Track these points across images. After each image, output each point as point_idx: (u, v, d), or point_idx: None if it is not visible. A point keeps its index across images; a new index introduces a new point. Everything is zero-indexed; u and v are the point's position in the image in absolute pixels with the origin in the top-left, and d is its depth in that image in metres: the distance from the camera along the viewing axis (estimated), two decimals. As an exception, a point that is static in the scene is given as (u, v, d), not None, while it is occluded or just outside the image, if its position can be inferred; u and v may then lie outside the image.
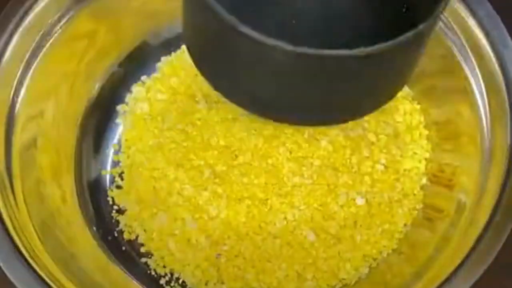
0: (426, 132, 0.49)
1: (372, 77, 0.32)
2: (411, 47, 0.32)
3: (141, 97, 0.51)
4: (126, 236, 0.48)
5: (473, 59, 0.43)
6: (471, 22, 0.42)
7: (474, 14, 0.42)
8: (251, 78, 0.32)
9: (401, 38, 0.29)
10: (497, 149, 0.41)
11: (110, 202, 0.49)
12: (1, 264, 0.37)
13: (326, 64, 0.29)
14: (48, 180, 0.45)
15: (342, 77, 0.31)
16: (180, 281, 0.47)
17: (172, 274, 0.47)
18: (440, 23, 0.43)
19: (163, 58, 0.52)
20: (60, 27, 0.45)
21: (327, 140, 0.48)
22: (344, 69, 0.30)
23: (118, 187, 0.50)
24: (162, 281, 0.47)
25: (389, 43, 0.28)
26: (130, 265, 0.47)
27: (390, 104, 0.49)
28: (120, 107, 0.51)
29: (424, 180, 0.49)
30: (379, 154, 0.48)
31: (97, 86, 0.50)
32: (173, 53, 0.52)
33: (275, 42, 0.28)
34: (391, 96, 0.35)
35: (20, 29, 0.43)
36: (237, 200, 0.47)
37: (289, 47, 0.28)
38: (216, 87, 0.35)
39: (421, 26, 0.29)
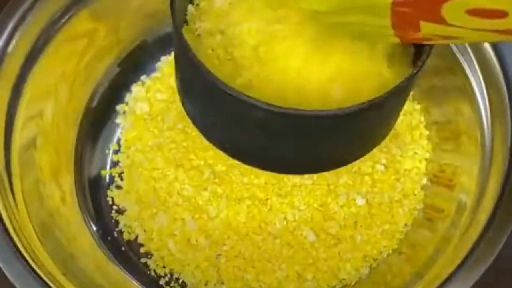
0: (426, 132, 0.49)
1: (350, 133, 0.34)
2: (386, 106, 0.33)
3: (141, 97, 0.51)
4: (125, 236, 0.48)
5: (473, 59, 0.43)
6: (471, 22, 0.42)
7: (474, 13, 0.42)
8: (238, 132, 0.34)
9: (368, 101, 0.30)
10: (498, 149, 0.41)
11: (110, 202, 0.49)
12: (1, 264, 0.37)
13: (299, 122, 0.31)
14: (48, 180, 0.45)
15: (315, 134, 0.33)
16: (180, 282, 0.47)
17: (172, 275, 0.47)
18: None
19: (163, 58, 0.52)
20: (60, 27, 0.45)
21: (327, 140, 0.48)
22: (319, 127, 0.32)
23: (118, 187, 0.50)
24: (162, 282, 0.47)
25: (359, 105, 0.30)
26: (129, 265, 0.47)
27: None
28: (120, 107, 0.51)
29: (424, 180, 0.48)
30: (379, 154, 0.48)
31: (97, 86, 0.50)
32: (173, 53, 0.52)
33: (258, 102, 0.29)
34: (374, 145, 0.37)
35: (20, 29, 0.43)
36: (237, 200, 0.47)
37: (266, 106, 0.29)
38: (211, 142, 0.37)
39: (387, 92, 0.31)
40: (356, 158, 0.37)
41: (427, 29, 0.26)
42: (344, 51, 0.32)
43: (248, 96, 0.29)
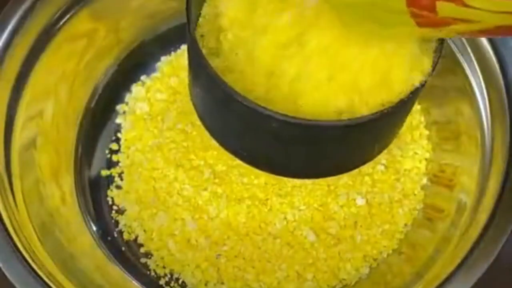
0: (426, 132, 0.49)
1: (360, 141, 0.35)
2: (397, 113, 0.34)
3: (140, 97, 0.51)
4: (125, 236, 0.48)
5: (473, 59, 0.43)
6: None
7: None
8: (252, 141, 0.35)
9: (380, 111, 0.31)
10: (497, 149, 0.41)
11: (110, 202, 0.49)
12: (1, 264, 0.37)
13: (313, 131, 0.32)
14: (48, 180, 0.45)
15: (327, 142, 0.33)
16: (180, 282, 0.47)
17: (171, 275, 0.47)
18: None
19: (163, 58, 0.52)
20: (60, 27, 0.45)
21: (327, 140, 0.48)
22: (331, 136, 0.33)
23: (118, 187, 0.50)
24: (162, 282, 0.47)
25: (371, 115, 0.31)
26: (129, 265, 0.47)
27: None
28: (120, 107, 0.51)
29: (424, 180, 0.48)
30: (379, 154, 0.48)
31: (97, 86, 0.50)
32: (172, 53, 0.52)
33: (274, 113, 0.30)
34: (382, 150, 0.38)
35: (20, 29, 0.43)
36: (237, 200, 0.47)
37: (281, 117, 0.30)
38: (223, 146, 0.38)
39: (391, 106, 0.32)
40: (364, 163, 0.38)
41: (444, 11, 0.25)
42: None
43: (264, 108, 0.30)
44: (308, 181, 0.47)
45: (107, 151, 0.51)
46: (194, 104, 0.38)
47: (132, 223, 0.48)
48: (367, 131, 0.33)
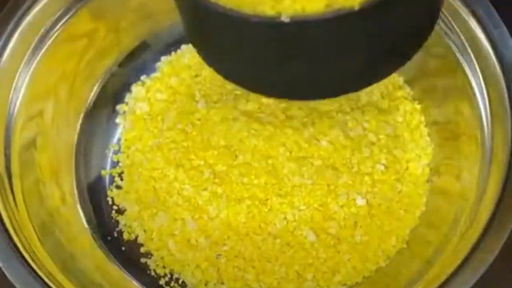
0: (426, 132, 0.49)
1: (365, 40, 0.29)
2: (384, 13, 0.28)
3: (140, 97, 0.51)
4: (125, 236, 0.48)
5: (473, 59, 0.43)
6: (472, 22, 0.42)
7: (474, 13, 0.42)
8: (245, 57, 0.32)
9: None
10: (498, 149, 0.41)
11: (110, 202, 0.49)
12: (1, 264, 0.37)
13: (285, 31, 0.27)
14: (48, 180, 0.45)
15: (319, 46, 0.29)
16: (180, 282, 0.47)
17: (171, 275, 0.47)
18: (440, 23, 0.43)
19: (163, 58, 0.52)
20: (60, 27, 0.45)
21: (327, 140, 0.48)
22: (324, 35, 0.28)
23: (118, 187, 0.50)
24: (162, 282, 0.47)
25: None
26: (129, 265, 0.47)
27: (390, 104, 0.50)
28: (120, 107, 0.51)
29: (424, 180, 0.48)
30: (379, 154, 0.48)
31: (97, 86, 0.50)
32: (173, 53, 0.52)
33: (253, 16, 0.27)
34: (403, 56, 0.33)
35: (20, 29, 0.43)
36: (237, 200, 0.47)
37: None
38: (220, 72, 0.36)
39: None
40: (386, 73, 0.33)
41: None
42: None
43: (237, 11, 0.27)
44: (308, 181, 0.47)
45: (107, 151, 0.51)
46: (186, 32, 0.36)
47: (132, 223, 0.48)
48: (357, 30, 0.27)
